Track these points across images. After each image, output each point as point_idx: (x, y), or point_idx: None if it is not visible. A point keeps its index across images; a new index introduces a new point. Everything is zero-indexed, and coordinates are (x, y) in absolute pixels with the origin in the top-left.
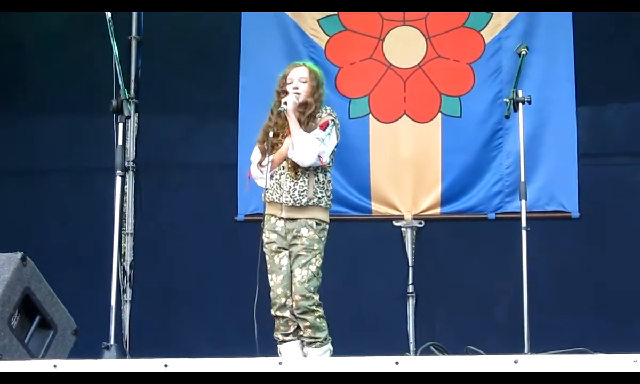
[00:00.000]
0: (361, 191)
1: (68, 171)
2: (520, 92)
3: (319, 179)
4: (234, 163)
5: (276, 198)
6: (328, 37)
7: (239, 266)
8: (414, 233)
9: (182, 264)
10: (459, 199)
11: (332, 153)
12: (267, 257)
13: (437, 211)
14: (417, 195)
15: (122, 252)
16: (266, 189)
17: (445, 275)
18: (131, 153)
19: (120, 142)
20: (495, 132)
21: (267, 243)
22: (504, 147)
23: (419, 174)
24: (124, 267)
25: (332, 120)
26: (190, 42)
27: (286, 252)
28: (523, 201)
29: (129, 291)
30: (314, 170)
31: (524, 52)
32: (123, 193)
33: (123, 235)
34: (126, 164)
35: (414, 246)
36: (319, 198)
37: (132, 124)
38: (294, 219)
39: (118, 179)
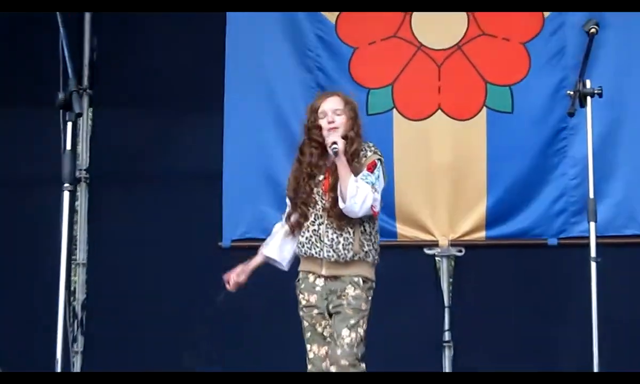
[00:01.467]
0: (382, 209)
1: (2, 183)
2: (588, 83)
3: (365, 230)
4: (218, 172)
5: (315, 253)
6: (339, 11)
7: (225, 309)
8: (452, 264)
9: (150, 306)
10: (509, 219)
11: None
12: (305, 323)
13: (482, 235)
14: (455, 214)
15: (72, 288)
16: (300, 242)
17: (491, 319)
18: (83, 160)
19: (68, 146)
20: (557, 132)
21: (306, 306)
22: (568, 152)
23: (458, 187)
24: (73, 308)
25: (379, 159)
26: (163, 15)
27: (329, 323)
28: (592, 223)
29: (80, 339)
30: (360, 219)
31: (593, 31)
32: (73, 212)
33: (73, 266)
34: (77, 174)
35: (451, 280)
36: (366, 252)
37: (84, 123)
38: (336, 277)
39: (66, 195)
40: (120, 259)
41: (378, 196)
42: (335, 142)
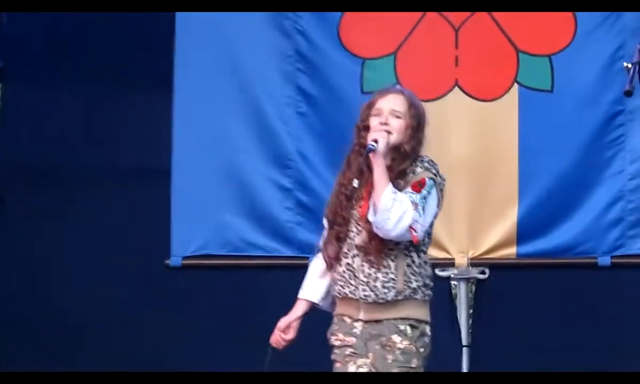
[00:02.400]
0: None
1: None
2: None
3: (413, 262)
4: (165, 168)
5: (350, 292)
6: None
7: (175, 346)
8: (472, 290)
9: (74, 341)
10: (548, 231)
11: (430, 226)
12: (336, 364)
13: (512, 251)
14: (477, 225)
15: None
16: (333, 279)
17: (524, 361)
18: None
19: None
20: (610, 117)
21: (339, 347)
22: (625, 143)
23: (481, 188)
24: None
25: (432, 177)
26: None
27: (367, 362)
28: None
29: None
30: (405, 248)
31: None
32: None
33: None
34: None
35: (471, 312)
36: (414, 289)
37: None
38: (378, 321)
39: None
40: (35, 280)
41: (422, 220)
42: (376, 140)
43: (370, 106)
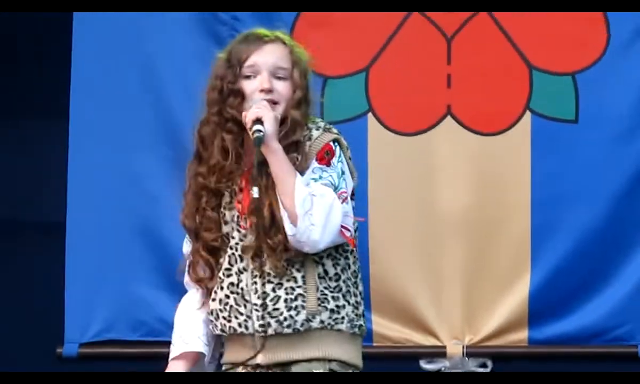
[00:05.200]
0: None
1: None
2: None
3: (326, 272)
4: (56, 220)
5: (239, 325)
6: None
7: None
8: None
9: None
10: (569, 309)
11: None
12: None
13: (522, 336)
14: (475, 301)
15: None
16: (210, 311)
17: None
18: None
19: None
20: None
21: None
22: None
23: (482, 252)
24: None
25: (336, 138)
26: None
27: None
28: None
29: None
30: (316, 253)
31: None
32: None
33: None
34: None
35: None
36: (333, 311)
37: None
38: (285, 365)
39: None
40: None
41: (349, 207)
42: (259, 120)
43: (238, 60)
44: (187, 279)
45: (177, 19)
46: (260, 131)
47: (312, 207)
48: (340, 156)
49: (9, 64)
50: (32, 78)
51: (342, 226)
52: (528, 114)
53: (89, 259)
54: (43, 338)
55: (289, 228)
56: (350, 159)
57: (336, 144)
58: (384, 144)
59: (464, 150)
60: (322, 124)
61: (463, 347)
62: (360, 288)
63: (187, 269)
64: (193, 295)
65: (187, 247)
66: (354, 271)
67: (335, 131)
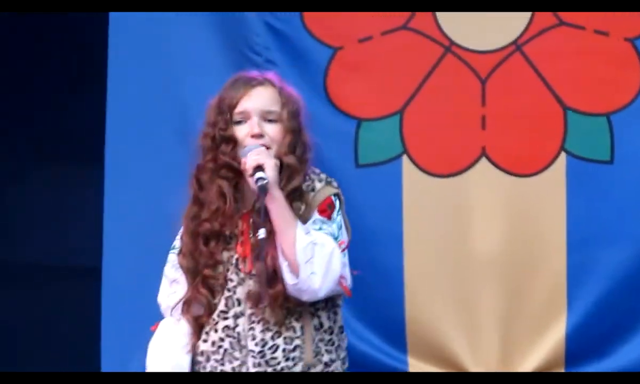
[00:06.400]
0: (385, 332)
1: None
2: None
3: (321, 324)
4: (94, 265)
5: (232, 369)
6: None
7: None
8: None
9: None
10: (607, 349)
11: None
12: None
13: (559, 371)
14: (511, 341)
15: None
16: (202, 352)
17: None
18: None
19: None
20: None
21: None
22: None
23: (517, 292)
24: None
25: (337, 193)
26: None
27: None
28: None
29: None
30: (309, 304)
31: None
32: None
33: None
34: None
35: None
36: (326, 364)
37: None
38: None
39: None
40: None
41: (346, 259)
42: (260, 168)
43: (228, 106)
44: (166, 304)
45: (212, 61)
46: (263, 178)
47: (314, 255)
48: (339, 210)
49: (44, 109)
50: (67, 122)
51: (340, 277)
52: (563, 155)
53: (125, 303)
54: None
55: (289, 277)
56: (344, 213)
57: (336, 198)
58: (418, 186)
59: (499, 191)
60: (323, 176)
61: None
62: (346, 342)
63: (180, 307)
64: (176, 329)
65: (172, 272)
66: (340, 326)
67: (335, 185)
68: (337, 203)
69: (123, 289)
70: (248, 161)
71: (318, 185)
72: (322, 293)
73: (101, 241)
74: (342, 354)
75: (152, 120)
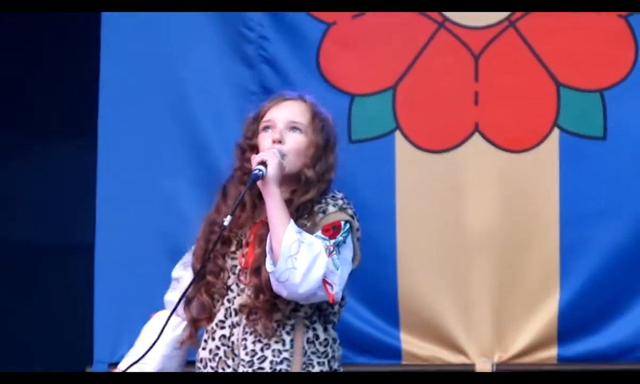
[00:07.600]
0: (376, 309)
1: None
2: None
3: (317, 337)
4: (87, 241)
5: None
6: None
7: None
8: None
9: None
10: (601, 325)
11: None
12: None
13: (552, 354)
14: (504, 319)
15: None
16: (199, 359)
17: None
18: None
19: None
20: None
21: None
22: None
23: (510, 270)
24: None
25: (349, 221)
26: None
27: None
28: None
29: None
30: (306, 316)
31: None
32: None
33: None
34: None
35: None
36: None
37: None
38: None
39: None
40: None
41: (339, 272)
42: (264, 162)
43: (259, 117)
44: (169, 297)
45: (206, 40)
46: (260, 170)
47: (298, 252)
48: (346, 234)
49: (37, 84)
50: (60, 97)
51: (325, 280)
52: (556, 131)
53: (118, 280)
54: (72, 358)
55: (269, 266)
56: (359, 239)
57: (346, 224)
58: (411, 162)
59: (492, 167)
60: (340, 202)
61: (492, 365)
62: (340, 352)
63: (183, 304)
64: (174, 321)
65: (178, 271)
66: (334, 338)
67: (350, 212)
68: (347, 227)
69: (116, 266)
70: (255, 157)
71: (331, 209)
72: (302, 290)
73: (94, 218)
74: (335, 365)
75: (146, 95)
